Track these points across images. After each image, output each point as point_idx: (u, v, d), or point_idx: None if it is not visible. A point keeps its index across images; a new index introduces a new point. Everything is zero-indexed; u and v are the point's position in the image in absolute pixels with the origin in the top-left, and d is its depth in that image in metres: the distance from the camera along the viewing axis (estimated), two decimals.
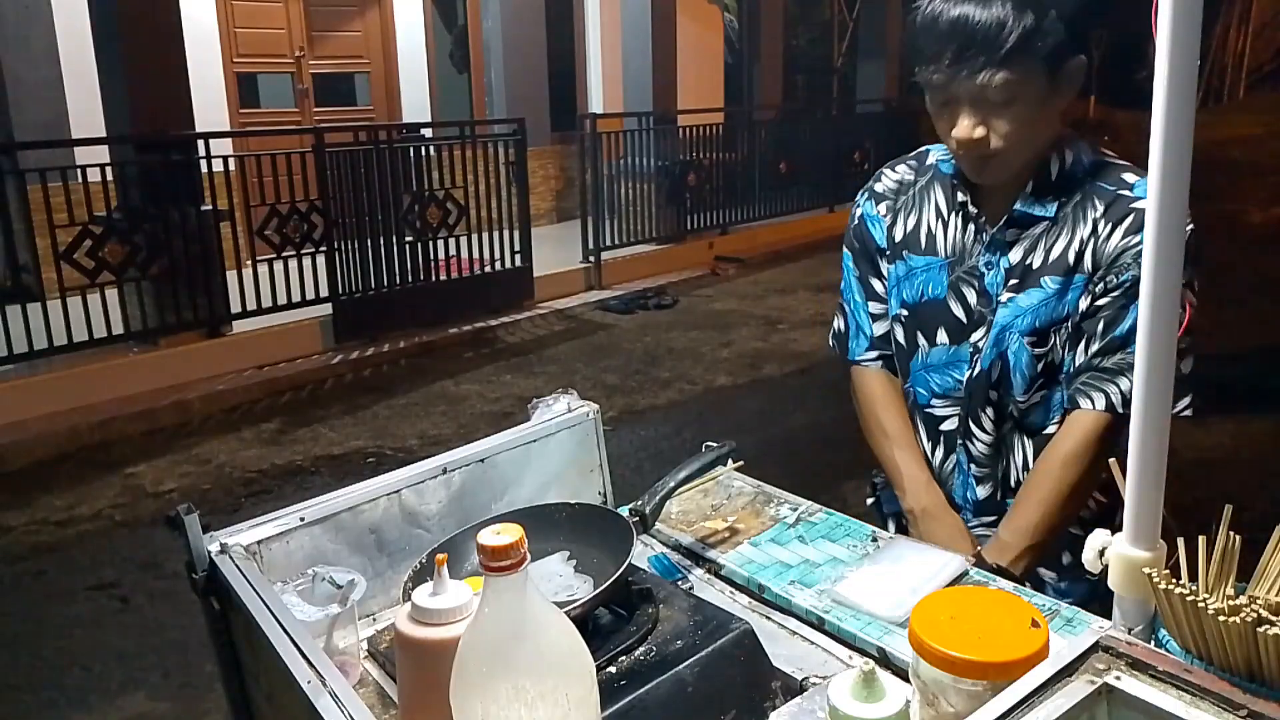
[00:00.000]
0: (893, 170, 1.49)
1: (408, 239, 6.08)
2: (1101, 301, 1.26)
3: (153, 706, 2.63)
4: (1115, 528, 0.90)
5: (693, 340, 6.21)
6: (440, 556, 0.88)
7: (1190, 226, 1.16)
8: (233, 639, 1.10)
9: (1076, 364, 1.30)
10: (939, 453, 1.44)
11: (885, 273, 1.47)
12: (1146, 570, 0.81)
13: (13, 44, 6.17)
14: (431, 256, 6.21)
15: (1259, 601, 0.74)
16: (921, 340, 1.41)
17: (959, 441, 1.41)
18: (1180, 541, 0.84)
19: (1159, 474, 0.85)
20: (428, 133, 7.52)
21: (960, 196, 1.35)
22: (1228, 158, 9.25)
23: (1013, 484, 1.39)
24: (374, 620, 1.17)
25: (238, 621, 1.05)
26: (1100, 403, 1.26)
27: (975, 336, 1.36)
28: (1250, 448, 4.00)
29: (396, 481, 1.22)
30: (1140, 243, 1.16)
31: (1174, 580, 0.79)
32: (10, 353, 4.52)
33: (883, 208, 1.46)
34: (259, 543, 1.11)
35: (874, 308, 1.49)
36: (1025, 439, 1.37)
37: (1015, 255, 1.32)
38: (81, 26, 5.48)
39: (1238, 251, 6.86)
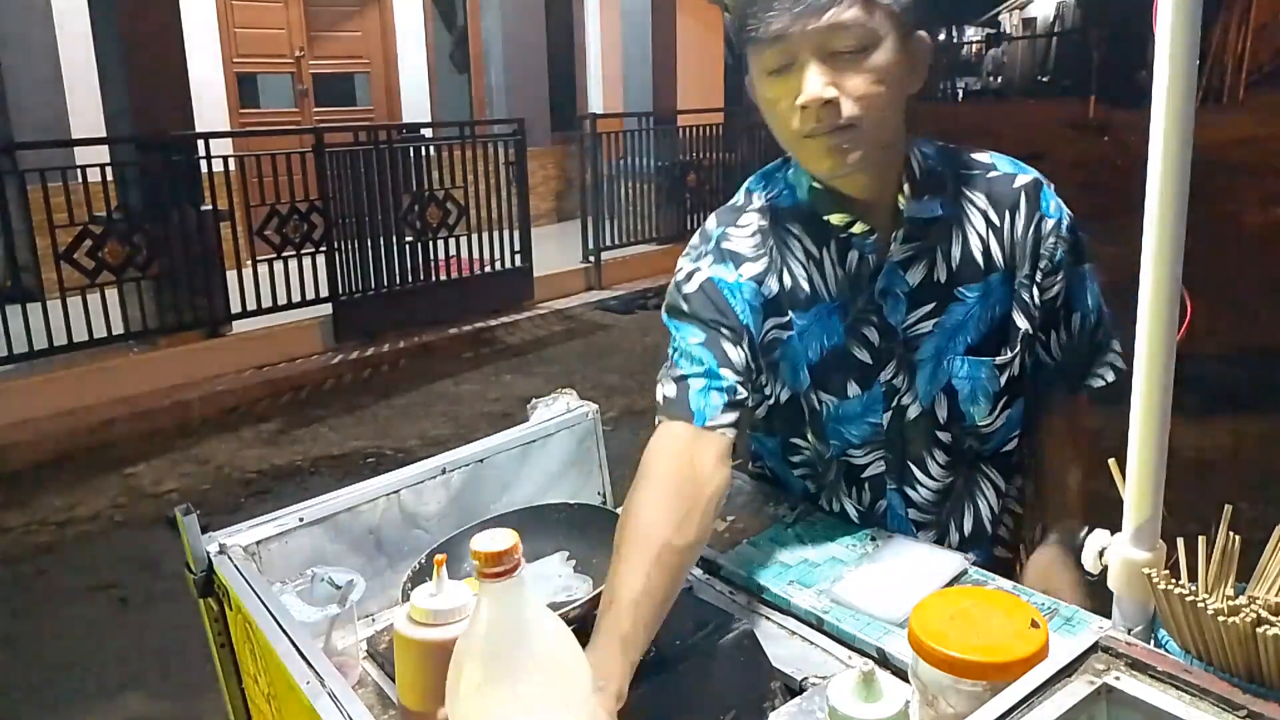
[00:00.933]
0: (736, 226, 1.21)
1: (408, 239, 6.08)
2: (1051, 294, 1.20)
3: (153, 706, 2.63)
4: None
5: None
6: (439, 557, 0.88)
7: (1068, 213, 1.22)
8: (232, 639, 1.10)
9: (1055, 357, 1.25)
10: (865, 498, 1.29)
11: (752, 342, 1.15)
12: (1146, 570, 0.81)
13: (13, 44, 6.17)
14: (431, 256, 6.20)
15: (1258, 602, 0.74)
16: (827, 398, 1.23)
17: (890, 487, 1.27)
18: (1180, 541, 0.83)
19: (1159, 474, 0.85)
20: (428, 133, 7.53)
21: (835, 220, 1.16)
22: (1228, 158, 9.26)
23: (968, 526, 1.27)
24: (373, 620, 1.17)
25: (237, 622, 1.05)
26: (1110, 376, 1.25)
27: (885, 374, 1.21)
28: (1250, 448, 4.00)
29: (396, 482, 1.22)
30: (1042, 214, 1.18)
31: (1174, 581, 0.79)
32: (10, 353, 4.52)
33: (746, 270, 1.17)
34: (258, 543, 1.11)
35: (728, 375, 1.11)
36: (985, 469, 1.27)
37: (915, 276, 1.18)
38: (81, 26, 5.48)
39: (1238, 251, 6.85)
